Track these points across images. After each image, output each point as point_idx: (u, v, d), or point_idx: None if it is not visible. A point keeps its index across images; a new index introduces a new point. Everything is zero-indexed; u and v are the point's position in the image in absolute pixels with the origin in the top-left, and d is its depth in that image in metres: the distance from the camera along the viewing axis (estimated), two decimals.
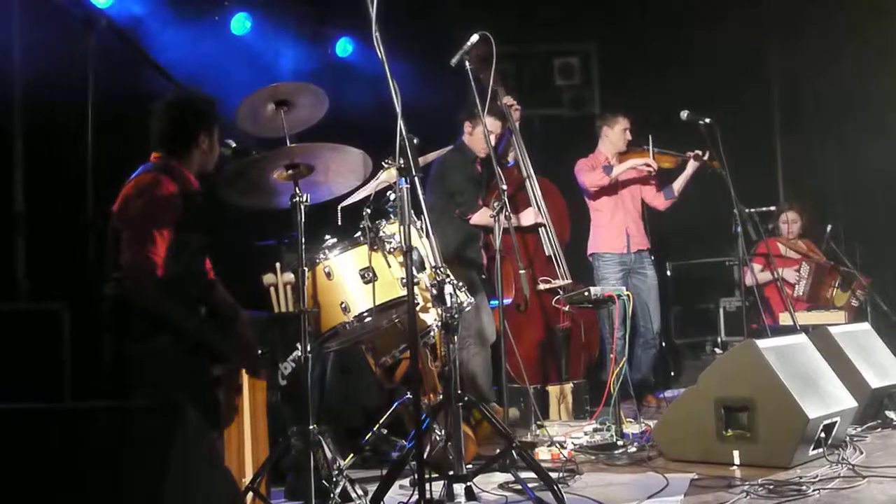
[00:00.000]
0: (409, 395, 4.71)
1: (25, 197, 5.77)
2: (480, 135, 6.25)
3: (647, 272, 7.34)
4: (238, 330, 4.04)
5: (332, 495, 3.70)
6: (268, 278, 4.06)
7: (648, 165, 7.20)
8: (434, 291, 4.10)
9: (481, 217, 6.26)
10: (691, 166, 7.27)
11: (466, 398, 4.20)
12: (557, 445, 5.18)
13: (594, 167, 7.28)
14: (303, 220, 3.78)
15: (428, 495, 3.49)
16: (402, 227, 3.71)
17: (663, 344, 8.04)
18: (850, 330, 6.01)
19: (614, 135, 7.35)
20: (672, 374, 8.28)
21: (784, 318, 7.49)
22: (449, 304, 4.08)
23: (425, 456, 3.79)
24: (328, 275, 4.27)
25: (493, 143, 6.05)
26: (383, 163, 4.26)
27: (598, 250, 7.33)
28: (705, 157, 7.06)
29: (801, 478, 4.30)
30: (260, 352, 4.08)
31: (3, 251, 5.64)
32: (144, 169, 4.01)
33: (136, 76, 5.72)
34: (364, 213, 4.34)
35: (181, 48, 6.19)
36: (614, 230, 7.30)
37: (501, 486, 4.46)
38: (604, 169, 7.22)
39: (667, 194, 7.44)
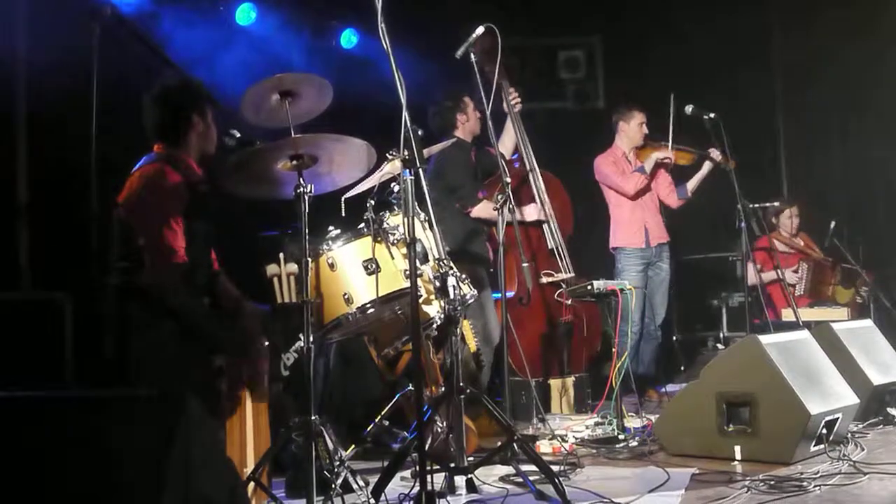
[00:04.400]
0: (410, 388, 4.71)
1: (29, 187, 5.77)
2: (473, 122, 6.28)
3: (663, 265, 7.37)
4: (241, 323, 4.04)
5: (333, 486, 3.70)
6: (271, 269, 4.06)
7: (668, 157, 7.24)
8: (437, 283, 4.11)
9: (482, 210, 6.20)
10: (707, 166, 7.28)
11: (469, 391, 4.20)
12: (559, 439, 5.19)
13: (615, 163, 7.32)
14: (306, 210, 3.78)
15: (429, 487, 3.48)
16: (405, 219, 3.71)
17: (675, 338, 8.05)
18: (853, 326, 6.00)
19: (631, 129, 7.36)
20: (682, 367, 8.26)
21: (787, 314, 7.50)
22: (452, 297, 4.08)
23: (427, 448, 3.78)
24: (331, 266, 4.26)
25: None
26: (387, 154, 4.25)
27: (619, 245, 7.35)
28: (720, 157, 7.06)
29: (802, 474, 4.30)
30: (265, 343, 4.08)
31: (6, 241, 5.65)
32: (148, 160, 4.03)
33: (140, 65, 5.71)
34: (368, 205, 4.33)
35: (186, 38, 6.19)
36: (633, 226, 7.31)
37: (503, 479, 4.46)
38: (638, 170, 7.24)
39: (680, 193, 7.44)
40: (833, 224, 8.13)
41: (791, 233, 8.33)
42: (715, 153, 7.14)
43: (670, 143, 7.24)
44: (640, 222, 7.31)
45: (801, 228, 8.37)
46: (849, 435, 5.02)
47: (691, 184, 7.40)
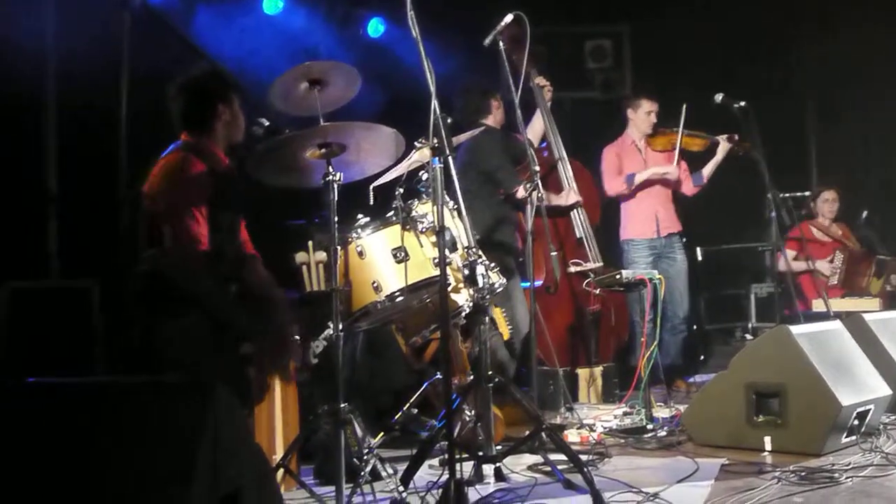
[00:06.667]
0: (438, 376, 4.71)
1: (58, 175, 5.81)
2: (500, 115, 6.27)
3: (677, 256, 7.29)
4: (270, 310, 4.04)
5: (362, 474, 3.71)
6: (300, 257, 4.07)
7: (667, 174, 7.17)
8: (466, 272, 4.09)
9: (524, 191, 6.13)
10: (721, 151, 7.20)
11: (497, 379, 4.19)
12: (587, 428, 5.17)
13: (618, 155, 7.27)
14: (335, 199, 3.77)
15: (457, 475, 3.48)
16: (434, 207, 3.70)
17: (694, 327, 7.99)
18: (885, 317, 5.93)
19: (638, 118, 7.31)
20: (702, 357, 8.21)
21: (817, 305, 7.43)
22: (480, 285, 4.07)
23: (455, 436, 3.78)
24: (360, 254, 4.26)
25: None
26: (416, 142, 4.24)
27: (629, 236, 7.29)
28: (736, 139, 7.01)
29: (833, 465, 4.27)
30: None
31: (35, 229, 5.69)
32: (174, 148, 4.04)
33: (169, 55, 5.73)
34: (396, 193, 4.32)
35: (214, 27, 6.21)
36: (643, 215, 7.25)
37: (531, 468, 4.46)
38: (626, 178, 7.19)
39: (695, 180, 7.37)
40: (865, 213, 8.05)
41: (829, 219, 8.25)
42: (725, 137, 7.07)
43: (681, 129, 7.16)
44: (650, 211, 7.23)
45: (841, 218, 8.28)
46: (881, 426, 4.98)
47: (706, 170, 7.31)
